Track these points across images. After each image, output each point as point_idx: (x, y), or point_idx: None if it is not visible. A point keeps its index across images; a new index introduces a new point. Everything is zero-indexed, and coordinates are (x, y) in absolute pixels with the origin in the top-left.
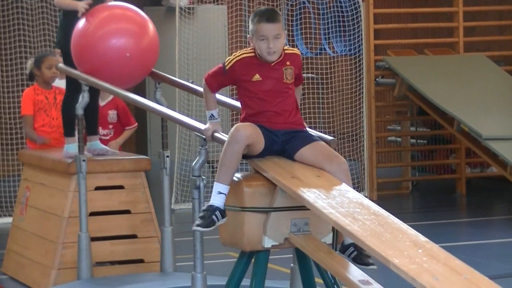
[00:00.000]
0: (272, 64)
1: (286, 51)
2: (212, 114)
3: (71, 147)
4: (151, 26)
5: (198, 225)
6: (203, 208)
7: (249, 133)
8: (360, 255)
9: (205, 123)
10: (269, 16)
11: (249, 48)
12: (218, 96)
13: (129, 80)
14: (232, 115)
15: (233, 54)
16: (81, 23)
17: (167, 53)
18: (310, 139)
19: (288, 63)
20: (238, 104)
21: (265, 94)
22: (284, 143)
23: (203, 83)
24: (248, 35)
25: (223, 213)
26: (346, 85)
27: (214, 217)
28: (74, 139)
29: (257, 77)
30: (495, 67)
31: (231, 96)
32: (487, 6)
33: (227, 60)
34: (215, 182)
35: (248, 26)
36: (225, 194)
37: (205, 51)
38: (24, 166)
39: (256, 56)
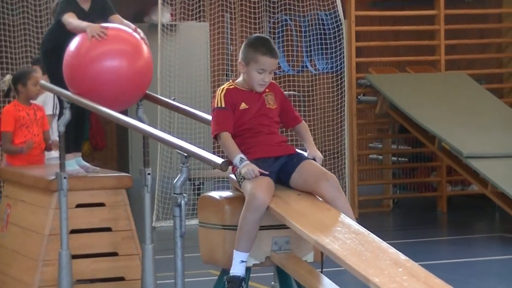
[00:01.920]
0: (254, 92)
1: None
2: (241, 158)
3: (69, 163)
4: (145, 48)
5: None
6: (228, 279)
7: (268, 197)
8: None
9: (186, 140)
10: (273, 51)
11: (226, 84)
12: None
13: (123, 103)
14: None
15: (216, 95)
16: (74, 44)
17: None
18: (298, 162)
19: (267, 90)
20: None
21: (251, 119)
22: (278, 173)
23: (218, 139)
24: (240, 61)
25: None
26: (328, 103)
27: None
28: (70, 156)
29: (243, 105)
30: (476, 85)
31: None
32: (468, 24)
33: (218, 102)
34: (235, 251)
35: (242, 50)
36: (246, 262)
37: (187, 68)
38: (5, 183)
39: (236, 87)
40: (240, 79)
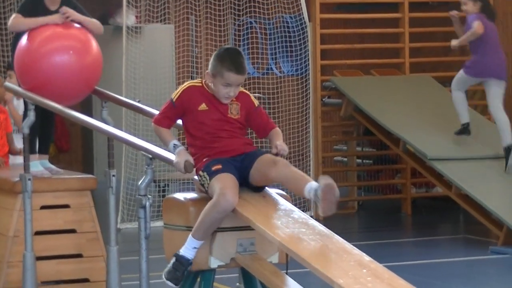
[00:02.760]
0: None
1: None
2: (174, 144)
3: (34, 164)
4: (94, 43)
5: (169, 279)
6: (177, 257)
7: (236, 199)
8: None
9: (152, 142)
10: (239, 67)
11: (197, 80)
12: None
13: (71, 97)
14: None
15: (179, 87)
16: (24, 40)
17: (114, 72)
18: (255, 157)
19: (233, 99)
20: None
21: (212, 122)
22: (239, 170)
23: (152, 126)
24: (208, 71)
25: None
26: (293, 105)
27: (185, 272)
28: (34, 157)
29: (203, 106)
30: (440, 88)
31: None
32: (433, 28)
33: (174, 94)
34: (191, 237)
35: (211, 61)
36: (197, 249)
37: (152, 70)
38: None
39: (204, 87)
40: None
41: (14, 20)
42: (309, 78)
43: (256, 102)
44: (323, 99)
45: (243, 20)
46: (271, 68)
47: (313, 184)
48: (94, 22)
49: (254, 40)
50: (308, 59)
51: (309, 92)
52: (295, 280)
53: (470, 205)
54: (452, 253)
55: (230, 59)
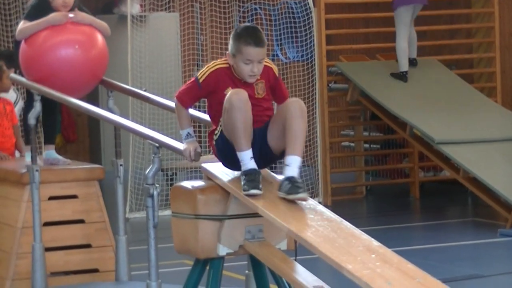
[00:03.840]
0: (243, 82)
1: None
2: (188, 133)
3: (28, 155)
4: (98, 35)
5: (252, 188)
6: (244, 172)
7: (246, 97)
8: (292, 187)
9: (158, 131)
10: (257, 39)
11: (223, 59)
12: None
13: (78, 89)
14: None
15: (206, 66)
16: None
17: (119, 62)
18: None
19: (258, 77)
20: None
21: None
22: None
23: (174, 101)
24: (227, 52)
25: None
26: (299, 91)
27: (260, 177)
28: (49, 146)
29: (229, 90)
30: (446, 71)
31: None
32: (438, 11)
33: (200, 73)
34: (239, 153)
35: (229, 42)
36: (253, 158)
37: (157, 58)
38: None
39: (230, 68)
40: None
41: (20, 27)
42: (314, 63)
43: (276, 72)
44: (329, 85)
45: (247, 7)
46: (277, 54)
47: (288, 170)
48: (103, 24)
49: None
50: (314, 44)
51: (315, 78)
52: (304, 266)
53: (478, 188)
54: (461, 236)
55: (247, 34)
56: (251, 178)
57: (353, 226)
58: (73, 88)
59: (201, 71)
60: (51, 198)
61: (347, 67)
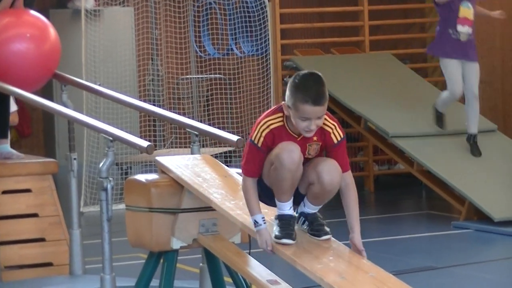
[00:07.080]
0: (299, 139)
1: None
2: (261, 219)
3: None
4: (51, 29)
5: (284, 237)
6: (279, 217)
7: (298, 151)
8: (312, 226)
9: (113, 125)
10: (317, 97)
11: (276, 116)
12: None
13: (31, 83)
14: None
15: (257, 126)
16: None
17: (73, 56)
18: None
19: (315, 138)
20: None
21: None
22: None
23: (243, 179)
24: (284, 102)
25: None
26: (254, 85)
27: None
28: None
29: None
30: (400, 65)
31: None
32: (391, 5)
33: (255, 137)
34: (278, 202)
35: (286, 91)
36: (292, 207)
37: (112, 53)
38: None
39: (284, 126)
40: None
41: None
42: (269, 58)
43: (335, 139)
44: (284, 79)
45: (202, 1)
46: (232, 48)
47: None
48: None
49: (214, 21)
50: (268, 38)
51: (270, 72)
52: (258, 260)
53: (432, 181)
54: (415, 229)
55: (305, 88)
56: (285, 224)
57: None
58: (25, 82)
59: (254, 134)
60: (4, 192)
61: (302, 61)
